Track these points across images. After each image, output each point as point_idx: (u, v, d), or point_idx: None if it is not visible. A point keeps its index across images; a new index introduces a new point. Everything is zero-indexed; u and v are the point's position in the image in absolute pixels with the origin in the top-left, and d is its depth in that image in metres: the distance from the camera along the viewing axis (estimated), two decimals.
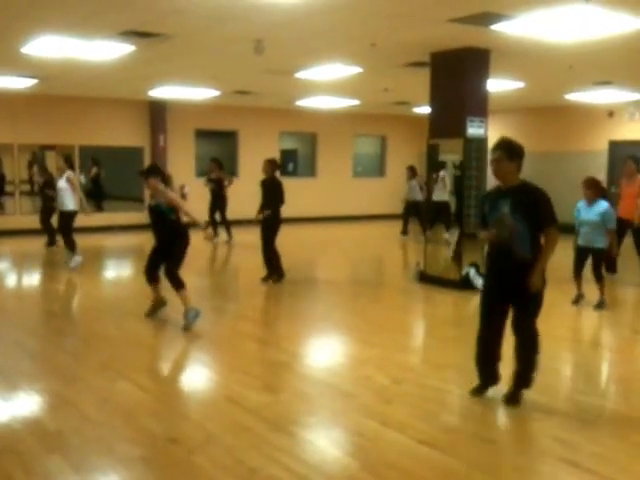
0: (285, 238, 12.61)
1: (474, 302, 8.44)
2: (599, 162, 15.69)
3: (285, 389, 4.99)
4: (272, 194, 8.88)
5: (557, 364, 5.71)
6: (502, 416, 4.57)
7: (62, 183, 10.28)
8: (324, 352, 6.26)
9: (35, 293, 9.14)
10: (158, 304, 7.10)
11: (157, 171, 6.90)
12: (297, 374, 5.43)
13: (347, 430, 4.24)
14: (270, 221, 8.93)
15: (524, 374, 4.53)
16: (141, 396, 4.78)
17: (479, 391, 4.71)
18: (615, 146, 15.36)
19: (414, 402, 4.65)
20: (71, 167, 10.71)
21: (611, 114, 15.38)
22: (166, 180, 6.97)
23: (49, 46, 8.60)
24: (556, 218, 4.38)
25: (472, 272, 8.71)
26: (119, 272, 11.18)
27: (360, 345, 6.32)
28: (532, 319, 4.48)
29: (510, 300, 4.49)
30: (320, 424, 4.34)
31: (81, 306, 8.41)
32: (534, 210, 4.33)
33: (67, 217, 10.31)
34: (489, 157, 4.69)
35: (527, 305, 4.44)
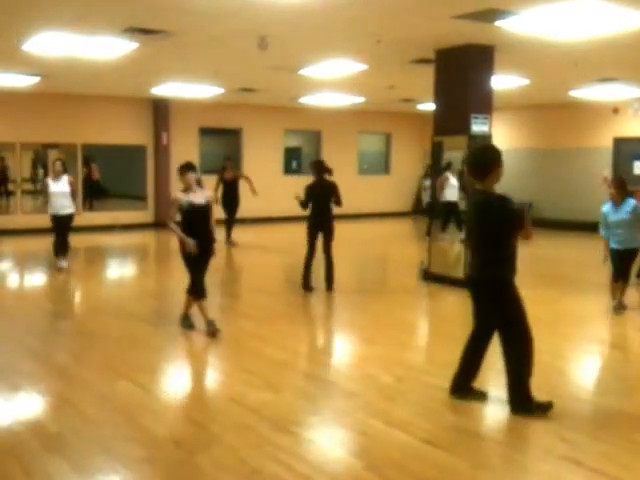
0: (290, 235, 12.60)
1: None
2: (604, 159, 15.60)
3: (287, 388, 4.95)
4: None
5: (561, 363, 5.66)
6: (505, 415, 4.53)
7: (64, 187, 9.73)
8: (327, 350, 6.22)
9: (36, 293, 9.12)
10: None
11: (193, 167, 6.37)
12: (300, 373, 5.41)
13: (350, 429, 4.20)
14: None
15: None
16: (142, 396, 4.75)
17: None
18: (620, 143, 15.27)
19: (418, 400, 4.61)
20: (65, 171, 9.93)
21: (616, 110, 15.27)
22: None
23: (51, 43, 8.56)
24: None
25: None
26: (121, 272, 11.15)
27: (364, 343, 6.28)
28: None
29: None
30: (323, 423, 4.31)
31: (82, 306, 8.39)
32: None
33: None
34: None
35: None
